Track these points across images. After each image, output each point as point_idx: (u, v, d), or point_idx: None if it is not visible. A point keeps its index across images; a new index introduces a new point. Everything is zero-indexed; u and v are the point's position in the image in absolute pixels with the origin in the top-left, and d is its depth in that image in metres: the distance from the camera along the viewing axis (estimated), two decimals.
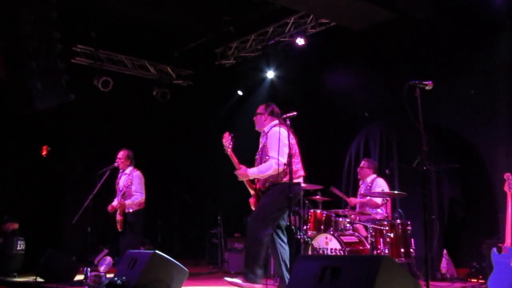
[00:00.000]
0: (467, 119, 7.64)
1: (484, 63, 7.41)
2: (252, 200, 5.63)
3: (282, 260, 5.39)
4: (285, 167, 5.19)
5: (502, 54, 7.10)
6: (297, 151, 5.52)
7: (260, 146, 5.61)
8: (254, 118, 5.72)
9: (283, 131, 5.37)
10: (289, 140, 5.34)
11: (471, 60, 7.61)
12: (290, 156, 5.16)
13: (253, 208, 5.62)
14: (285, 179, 5.26)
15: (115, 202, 7.24)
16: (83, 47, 10.55)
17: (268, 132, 5.49)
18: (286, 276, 5.32)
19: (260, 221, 5.26)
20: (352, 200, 7.43)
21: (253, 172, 5.38)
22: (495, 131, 7.21)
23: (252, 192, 5.63)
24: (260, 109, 5.70)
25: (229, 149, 5.48)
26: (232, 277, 5.39)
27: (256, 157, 5.62)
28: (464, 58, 7.67)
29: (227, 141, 5.50)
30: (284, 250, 5.45)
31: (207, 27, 10.28)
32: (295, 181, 5.31)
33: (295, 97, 9.81)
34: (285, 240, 5.52)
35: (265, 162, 5.37)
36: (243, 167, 5.42)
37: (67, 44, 9.24)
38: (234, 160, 5.48)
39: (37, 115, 8.74)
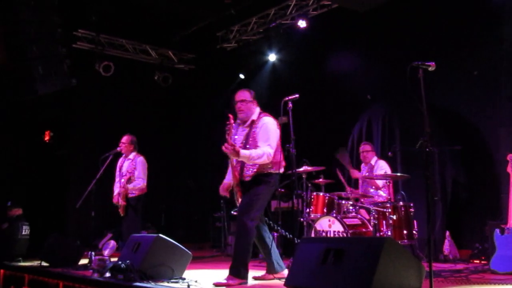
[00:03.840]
0: (470, 100, 7.60)
1: (488, 45, 7.35)
2: (239, 193, 5.35)
3: (271, 247, 5.39)
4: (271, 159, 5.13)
5: (506, 36, 7.04)
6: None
7: (243, 136, 5.32)
8: (239, 106, 5.28)
9: (274, 121, 5.27)
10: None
11: (474, 41, 7.54)
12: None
13: (239, 199, 5.37)
14: (272, 170, 5.22)
15: (116, 191, 7.24)
16: (84, 31, 10.53)
17: (257, 121, 5.26)
18: (276, 262, 5.38)
19: (251, 213, 5.10)
20: (356, 173, 7.45)
21: (245, 154, 5.01)
22: (498, 112, 7.17)
23: (235, 181, 5.37)
24: (246, 95, 5.31)
25: (230, 131, 5.12)
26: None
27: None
28: (467, 39, 7.60)
29: (230, 124, 5.12)
30: (269, 237, 5.45)
31: (208, 10, 10.21)
32: (280, 171, 5.30)
33: (297, 80, 9.76)
34: (266, 226, 5.52)
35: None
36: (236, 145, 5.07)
37: (68, 28, 9.20)
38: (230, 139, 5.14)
39: (39, 100, 8.72)
